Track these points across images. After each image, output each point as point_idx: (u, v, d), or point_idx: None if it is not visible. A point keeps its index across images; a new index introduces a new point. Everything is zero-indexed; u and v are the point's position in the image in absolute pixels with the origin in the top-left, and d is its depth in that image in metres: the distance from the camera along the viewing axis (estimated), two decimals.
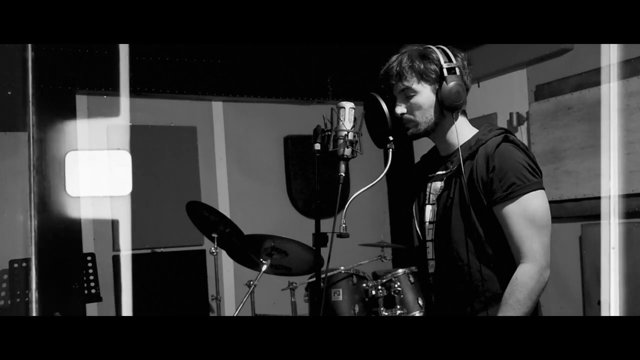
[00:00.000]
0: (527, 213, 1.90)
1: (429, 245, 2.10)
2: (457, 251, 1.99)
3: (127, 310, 3.66)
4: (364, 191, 1.98)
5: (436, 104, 2.01)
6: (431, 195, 2.11)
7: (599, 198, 4.03)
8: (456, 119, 2.03)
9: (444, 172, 2.08)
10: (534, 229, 1.89)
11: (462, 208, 1.98)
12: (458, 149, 2.01)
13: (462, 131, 2.05)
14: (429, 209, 2.11)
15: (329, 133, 2.02)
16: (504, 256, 1.95)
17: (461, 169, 1.97)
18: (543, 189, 1.95)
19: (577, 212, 4.21)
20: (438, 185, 2.09)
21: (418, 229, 2.15)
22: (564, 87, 4.30)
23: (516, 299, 1.87)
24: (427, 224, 2.11)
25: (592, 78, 4.12)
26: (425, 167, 2.18)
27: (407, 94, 2.04)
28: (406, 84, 2.02)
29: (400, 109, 2.04)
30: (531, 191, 1.91)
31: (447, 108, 2.00)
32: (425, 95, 2.02)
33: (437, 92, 2.00)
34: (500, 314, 1.89)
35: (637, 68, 3.86)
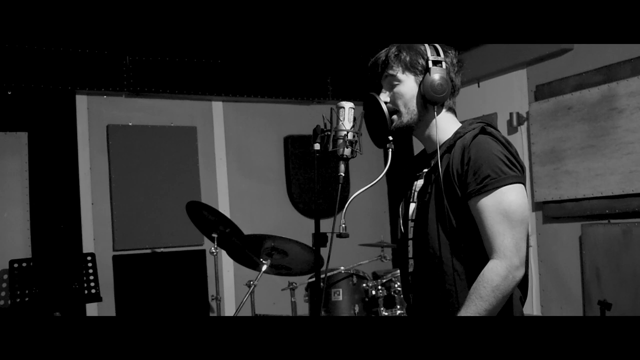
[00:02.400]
0: (501, 207, 1.83)
1: (410, 243, 2.07)
2: (432, 247, 1.95)
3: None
4: (364, 191, 1.98)
5: (419, 95, 2.00)
6: (415, 193, 2.09)
7: (599, 198, 4.04)
8: (438, 114, 2.00)
9: (427, 169, 2.06)
10: (506, 224, 1.83)
11: (438, 202, 1.94)
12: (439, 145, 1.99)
13: (446, 128, 2.02)
14: (412, 207, 2.09)
15: (329, 133, 2.01)
16: (479, 252, 1.89)
17: (438, 163, 1.95)
18: (521, 183, 1.88)
19: (577, 212, 4.21)
20: (421, 182, 2.08)
21: (402, 228, 2.13)
22: (564, 87, 4.30)
23: (479, 295, 1.81)
24: (410, 222, 2.09)
25: (592, 78, 4.11)
26: (414, 166, 2.17)
27: (391, 82, 2.04)
28: (390, 72, 2.02)
29: (384, 97, 2.04)
30: (507, 185, 1.84)
31: (429, 101, 1.98)
32: (408, 85, 2.01)
33: (420, 84, 1.99)
34: (462, 309, 1.84)
35: (637, 68, 3.86)
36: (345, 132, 1.99)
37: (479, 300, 1.81)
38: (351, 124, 2.00)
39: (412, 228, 2.07)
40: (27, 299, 3.91)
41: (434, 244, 1.95)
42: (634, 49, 3.85)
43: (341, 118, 2.00)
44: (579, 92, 4.16)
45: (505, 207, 1.84)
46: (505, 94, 4.76)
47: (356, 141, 2.00)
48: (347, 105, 2.02)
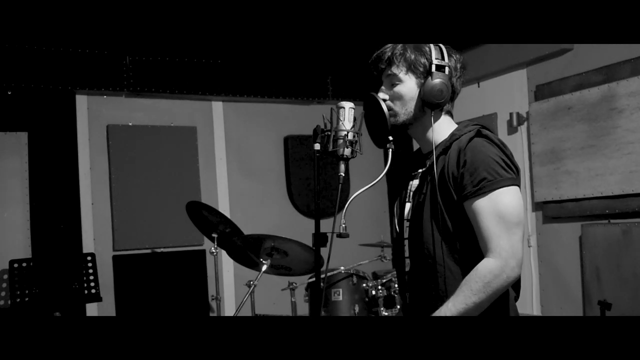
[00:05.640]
0: (497, 209, 1.85)
1: (406, 243, 2.08)
2: (427, 248, 1.97)
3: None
4: (363, 191, 1.98)
5: (418, 98, 2.01)
6: (411, 193, 2.10)
7: (599, 198, 4.04)
8: (436, 117, 2.02)
9: (423, 169, 2.07)
10: (503, 226, 1.84)
11: (433, 204, 1.95)
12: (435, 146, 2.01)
13: (442, 130, 2.04)
14: (407, 207, 2.10)
15: (329, 133, 2.01)
16: (474, 253, 1.90)
17: (433, 165, 1.96)
18: (517, 185, 1.89)
19: (577, 212, 4.21)
20: (416, 182, 2.09)
21: (397, 227, 2.13)
22: (564, 87, 4.30)
23: (469, 287, 1.84)
24: (405, 221, 2.10)
25: (592, 78, 4.12)
26: (410, 165, 2.17)
27: (393, 81, 2.04)
28: (394, 70, 2.03)
29: (383, 95, 2.05)
30: (503, 187, 1.86)
31: (427, 104, 1.99)
32: (409, 86, 2.02)
33: (421, 87, 2.00)
34: (451, 297, 1.86)
35: (637, 68, 3.86)
36: (345, 132, 1.99)
37: (469, 292, 1.84)
38: (351, 124, 2.01)
39: (407, 228, 2.08)
40: (27, 299, 3.91)
41: (428, 245, 1.96)
42: (634, 49, 3.85)
43: (341, 118, 2.00)
44: (579, 92, 4.16)
45: (501, 209, 1.85)
46: (505, 94, 4.76)
47: (356, 141, 2.01)
48: (347, 105, 2.02)
